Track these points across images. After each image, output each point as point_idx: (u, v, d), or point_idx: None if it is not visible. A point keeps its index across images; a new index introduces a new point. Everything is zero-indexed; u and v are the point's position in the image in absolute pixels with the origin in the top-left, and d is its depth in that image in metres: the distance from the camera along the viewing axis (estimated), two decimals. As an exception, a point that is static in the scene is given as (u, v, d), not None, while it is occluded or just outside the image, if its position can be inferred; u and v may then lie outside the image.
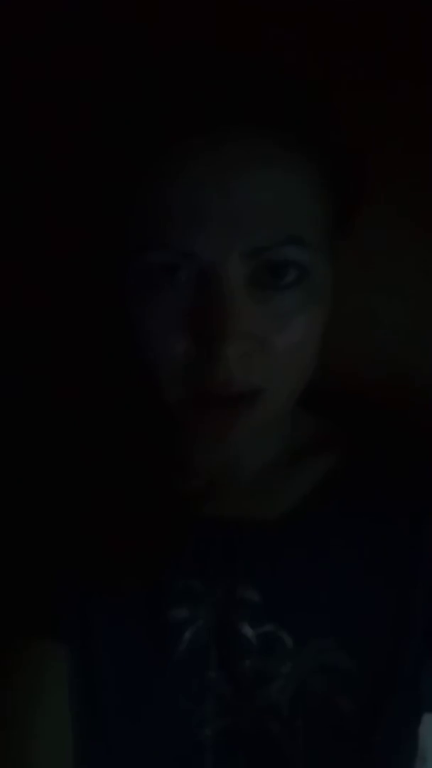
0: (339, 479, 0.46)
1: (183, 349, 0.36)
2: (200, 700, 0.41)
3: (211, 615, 0.42)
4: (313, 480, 0.46)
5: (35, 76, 0.45)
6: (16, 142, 0.47)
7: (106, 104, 0.38)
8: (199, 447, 0.42)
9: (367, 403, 0.51)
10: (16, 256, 0.52)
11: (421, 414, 0.51)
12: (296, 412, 0.45)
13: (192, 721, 0.41)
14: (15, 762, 0.36)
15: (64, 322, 0.53)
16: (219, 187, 0.34)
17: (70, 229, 0.49)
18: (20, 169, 0.48)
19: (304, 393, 0.41)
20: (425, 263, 0.51)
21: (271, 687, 0.41)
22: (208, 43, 0.39)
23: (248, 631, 0.42)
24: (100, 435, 0.49)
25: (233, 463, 0.46)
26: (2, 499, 0.45)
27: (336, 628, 0.42)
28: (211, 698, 0.41)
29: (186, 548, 0.44)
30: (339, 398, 0.51)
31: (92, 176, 0.41)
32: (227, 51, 0.36)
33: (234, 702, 0.41)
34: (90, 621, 0.42)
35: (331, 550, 0.43)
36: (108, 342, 0.47)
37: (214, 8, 0.41)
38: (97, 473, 0.47)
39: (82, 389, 0.52)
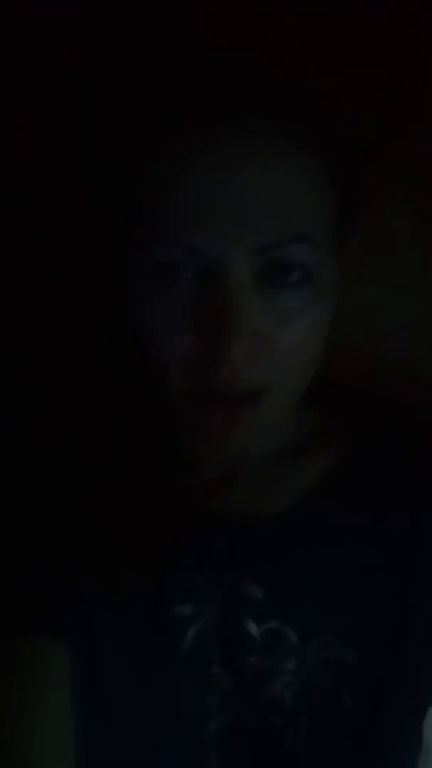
0: (341, 474, 0.46)
1: (188, 347, 0.36)
2: (204, 696, 0.41)
3: (215, 612, 0.42)
4: (316, 475, 0.46)
5: (36, 73, 0.45)
6: (17, 137, 0.47)
7: (109, 98, 0.38)
8: (203, 444, 0.42)
9: (369, 397, 0.51)
10: (18, 254, 0.51)
11: (424, 408, 0.51)
12: (298, 407, 0.45)
13: (195, 718, 0.41)
14: (16, 760, 0.36)
15: (67, 320, 0.53)
16: (225, 183, 0.34)
17: (74, 226, 0.48)
18: (21, 165, 0.48)
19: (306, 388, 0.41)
20: (429, 257, 0.51)
21: (275, 683, 0.41)
22: (213, 39, 0.38)
23: (252, 627, 0.42)
24: (103, 431, 0.49)
25: (236, 459, 0.46)
26: (4, 495, 0.45)
27: (339, 624, 0.42)
28: (215, 695, 0.41)
29: (189, 544, 0.44)
30: (341, 392, 0.51)
31: (96, 172, 0.41)
32: (231, 47, 0.36)
33: (238, 698, 0.41)
34: (92, 618, 0.41)
35: (334, 545, 0.43)
36: (112, 339, 0.47)
37: (219, 4, 0.41)
38: (99, 469, 0.47)
39: (85, 386, 0.52)
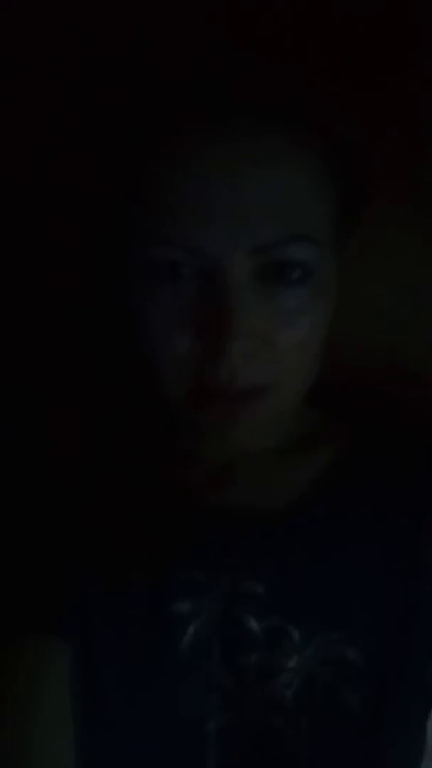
0: (342, 471, 0.46)
1: (187, 346, 0.36)
2: (204, 694, 0.41)
3: (215, 608, 0.42)
4: (317, 472, 0.46)
5: (37, 69, 0.45)
6: (18, 135, 0.47)
7: (110, 96, 0.38)
8: (203, 442, 0.42)
9: (370, 394, 0.51)
10: (19, 252, 0.52)
11: (424, 405, 0.51)
12: (299, 405, 0.45)
13: (196, 716, 0.41)
14: (16, 759, 0.36)
15: (67, 318, 0.53)
16: (225, 182, 0.34)
17: (74, 224, 0.48)
18: (21, 165, 0.48)
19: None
20: (429, 255, 0.51)
21: (277, 681, 0.41)
22: (214, 37, 0.38)
23: (254, 624, 0.41)
24: (103, 429, 0.49)
25: (237, 456, 0.46)
26: (3, 494, 0.45)
27: (342, 621, 0.42)
28: (215, 692, 0.41)
29: (189, 541, 0.43)
30: (341, 390, 0.51)
31: (96, 170, 0.41)
32: (233, 45, 0.36)
33: (238, 696, 0.41)
34: (92, 616, 0.41)
35: (335, 542, 0.43)
36: (111, 338, 0.47)
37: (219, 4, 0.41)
38: (99, 467, 0.47)
39: (84, 384, 0.52)
